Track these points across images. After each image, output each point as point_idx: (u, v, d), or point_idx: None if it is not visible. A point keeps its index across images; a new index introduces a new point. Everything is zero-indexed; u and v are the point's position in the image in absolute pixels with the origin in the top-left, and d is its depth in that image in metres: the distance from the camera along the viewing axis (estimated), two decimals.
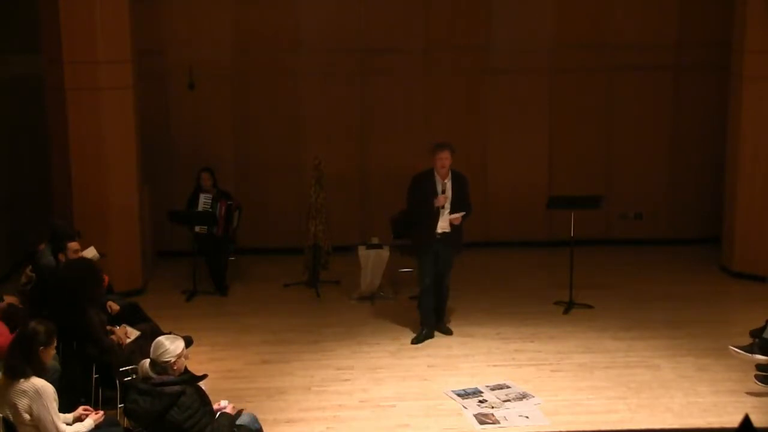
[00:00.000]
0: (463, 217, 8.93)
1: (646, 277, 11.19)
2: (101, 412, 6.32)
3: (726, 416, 7.38)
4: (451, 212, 8.88)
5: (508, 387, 7.99)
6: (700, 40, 12.16)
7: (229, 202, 10.80)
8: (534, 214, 12.04)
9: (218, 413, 6.18)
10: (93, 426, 6.14)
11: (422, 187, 8.90)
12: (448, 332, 9.21)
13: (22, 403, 5.85)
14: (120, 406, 6.97)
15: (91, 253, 8.59)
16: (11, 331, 7.05)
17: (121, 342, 7.57)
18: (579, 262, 10.05)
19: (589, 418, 7.40)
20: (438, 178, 8.88)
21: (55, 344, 6.25)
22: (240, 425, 6.23)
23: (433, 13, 12.10)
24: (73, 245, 8.23)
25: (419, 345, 9.00)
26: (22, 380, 5.90)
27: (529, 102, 12.30)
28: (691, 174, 12.47)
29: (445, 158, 8.82)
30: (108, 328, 7.65)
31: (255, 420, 6.45)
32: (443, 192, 8.84)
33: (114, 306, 8.21)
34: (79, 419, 6.17)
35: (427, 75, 12.18)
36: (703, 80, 12.27)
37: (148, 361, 5.96)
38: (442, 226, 8.90)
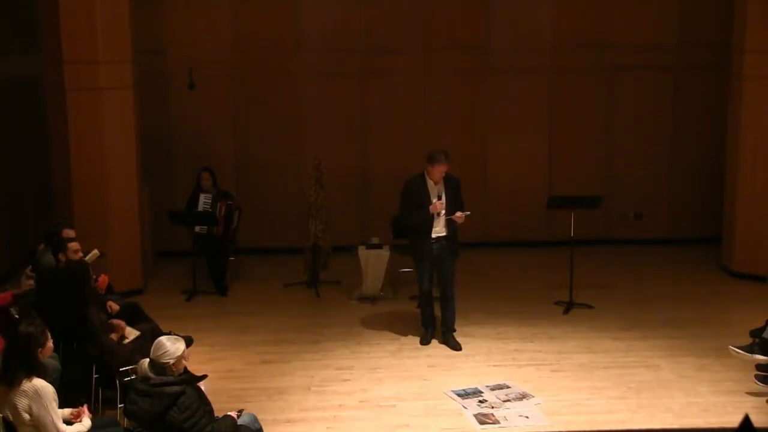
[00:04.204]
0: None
1: (646, 277, 11.19)
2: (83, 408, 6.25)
3: (726, 416, 7.38)
4: (447, 215, 8.74)
5: (508, 387, 7.99)
6: (700, 40, 12.17)
7: (229, 202, 10.80)
8: (534, 214, 12.05)
9: (222, 415, 6.18)
10: (90, 425, 6.12)
11: (416, 194, 8.73)
12: (456, 347, 8.87)
13: (22, 403, 5.84)
14: (120, 406, 6.98)
15: (93, 255, 8.57)
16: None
17: (120, 331, 7.55)
18: (579, 262, 10.06)
19: (589, 418, 7.40)
20: (431, 183, 8.73)
21: (50, 339, 6.21)
22: (240, 425, 6.23)
23: (433, 13, 12.10)
24: (73, 245, 8.22)
25: (419, 345, 8.98)
26: (23, 381, 5.90)
27: (529, 102, 12.30)
28: (691, 174, 12.48)
29: (443, 170, 8.65)
30: (109, 321, 7.67)
31: (255, 420, 6.45)
32: (439, 197, 8.70)
33: (114, 306, 8.20)
34: (68, 422, 6.10)
35: (427, 75, 12.19)
36: (703, 80, 12.28)
37: (147, 361, 5.96)
38: (437, 230, 8.77)
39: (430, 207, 8.68)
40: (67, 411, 6.12)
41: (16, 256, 10.91)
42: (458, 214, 8.70)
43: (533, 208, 11.92)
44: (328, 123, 12.16)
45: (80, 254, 8.19)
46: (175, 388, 5.82)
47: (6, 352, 6.14)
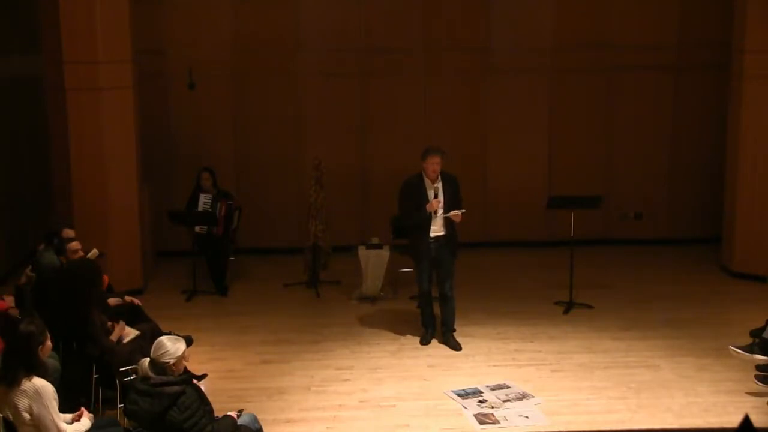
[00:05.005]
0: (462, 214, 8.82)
1: (646, 277, 11.20)
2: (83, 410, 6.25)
3: (726, 416, 7.38)
4: (445, 213, 8.73)
5: (508, 387, 7.99)
6: (700, 40, 12.17)
7: (229, 202, 10.80)
8: (534, 214, 12.05)
9: (222, 415, 6.18)
10: (90, 425, 6.12)
11: (413, 193, 8.73)
12: (456, 347, 8.86)
13: (23, 403, 5.84)
14: (120, 406, 6.98)
15: (93, 255, 8.56)
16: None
17: (118, 328, 7.55)
18: (579, 262, 10.06)
19: (589, 418, 7.40)
20: (428, 182, 8.73)
21: (48, 338, 6.20)
22: (240, 425, 6.23)
23: (433, 13, 12.11)
24: (73, 245, 8.22)
25: (419, 345, 8.98)
26: (23, 380, 5.89)
27: (529, 102, 12.31)
28: (691, 174, 12.48)
29: (436, 163, 8.64)
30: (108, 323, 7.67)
31: (255, 420, 6.45)
32: (435, 196, 8.70)
33: (127, 298, 8.18)
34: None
35: (427, 75, 12.19)
36: (703, 80, 12.28)
37: (147, 360, 5.96)
38: (435, 229, 8.75)
39: (427, 205, 8.69)
40: (68, 416, 6.12)
41: (16, 256, 10.92)
42: (454, 212, 8.70)
43: (533, 208, 11.92)
44: (328, 123, 12.16)
45: (80, 254, 8.19)
46: (176, 388, 5.82)
47: (6, 351, 6.13)
